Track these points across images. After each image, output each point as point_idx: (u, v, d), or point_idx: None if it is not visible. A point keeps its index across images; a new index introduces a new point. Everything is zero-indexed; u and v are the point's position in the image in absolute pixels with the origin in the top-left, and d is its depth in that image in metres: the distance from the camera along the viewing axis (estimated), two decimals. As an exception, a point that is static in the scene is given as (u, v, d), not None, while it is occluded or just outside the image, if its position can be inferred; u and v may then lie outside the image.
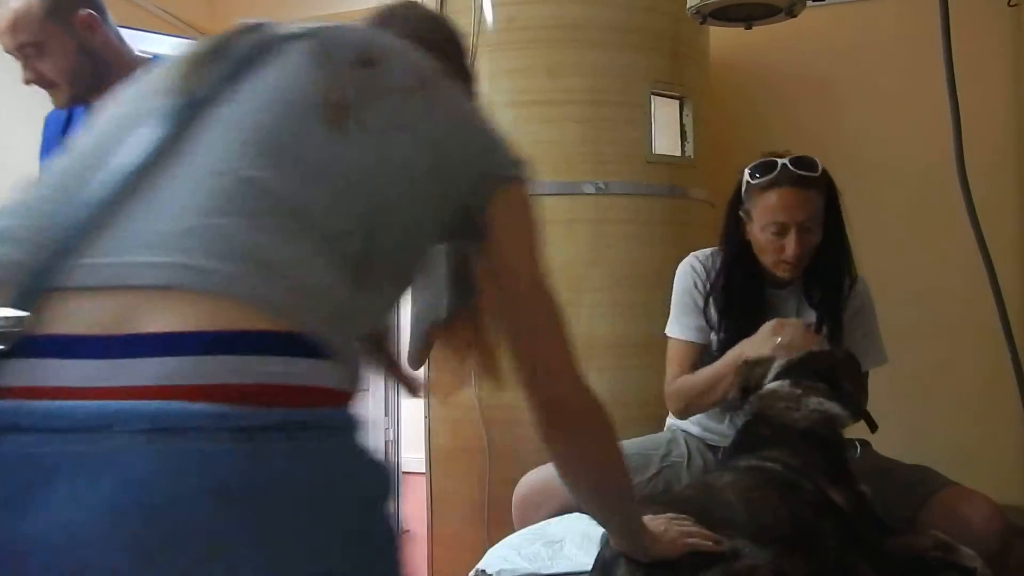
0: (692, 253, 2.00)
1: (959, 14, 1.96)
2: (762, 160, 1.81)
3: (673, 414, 1.97)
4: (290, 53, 0.84)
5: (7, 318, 0.60)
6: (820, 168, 1.79)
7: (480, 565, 1.58)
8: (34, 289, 0.62)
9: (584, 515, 1.69)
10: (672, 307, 1.97)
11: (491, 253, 0.95)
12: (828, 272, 1.85)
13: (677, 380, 1.89)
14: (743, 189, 1.85)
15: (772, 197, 1.76)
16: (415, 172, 0.83)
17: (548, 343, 0.99)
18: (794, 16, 2.08)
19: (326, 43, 0.85)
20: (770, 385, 1.57)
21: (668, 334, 1.96)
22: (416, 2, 1.14)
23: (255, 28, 0.89)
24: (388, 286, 0.83)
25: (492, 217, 0.92)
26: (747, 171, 1.83)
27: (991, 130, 2.83)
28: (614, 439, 1.07)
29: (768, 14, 2.07)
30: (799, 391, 1.52)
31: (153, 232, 0.66)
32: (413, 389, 1.21)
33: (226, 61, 0.82)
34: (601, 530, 1.28)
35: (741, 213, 1.86)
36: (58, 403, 0.57)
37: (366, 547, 0.65)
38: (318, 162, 0.76)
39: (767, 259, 1.82)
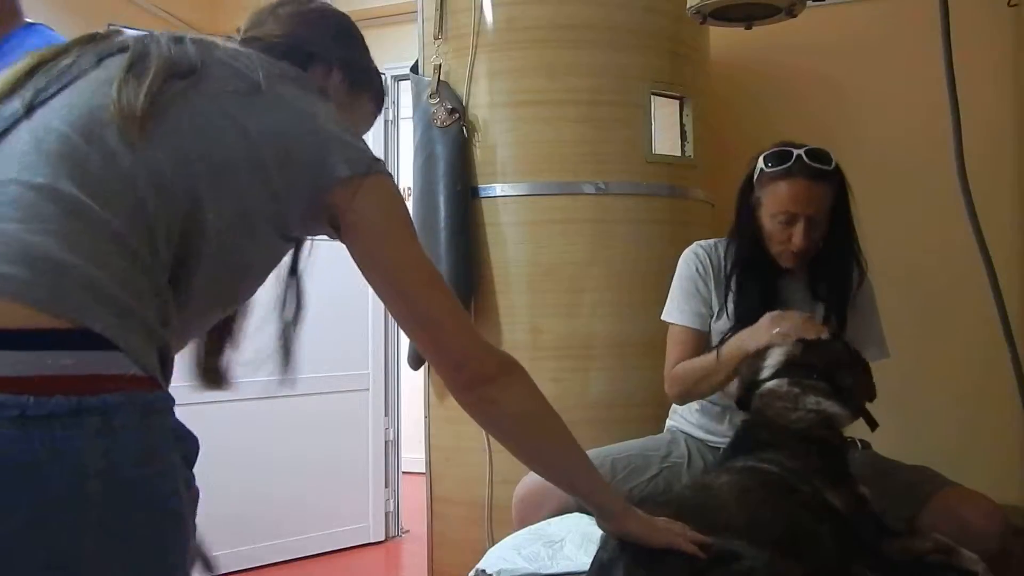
0: (696, 242, 2.00)
1: (959, 14, 1.96)
2: (777, 149, 1.81)
3: (672, 398, 1.95)
4: (108, 68, 0.90)
5: None
6: (834, 163, 1.79)
7: (480, 565, 1.58)
8: None
9: (584, 515, 1.69)
10: (672, 292, 1.96)
11: (365, 248, 0.99)
12: (835, 265, 1.85)
13: (678, 365, 1.89)
14: (755, 176, 1.85)
15: (784, 187, 1.77)
16: (237, 169, 0.89)
17: (444, 317, 1.03)
18: (794, 16, 2.08)
19: (140, 57, 0.90)
20: (768, 384, 1.56)
21: (667, 319, 1.95)
22: (284, 4, 1.15)
23: (93, 39, 0.94)
24: (207, 271, 0.88)
25: (348, 212, 0.96)
26: (761, 159, 1.82)
27: (991, 129, 2.83)
28: (532, 387, 1.09)
29: (768, 14, 2.07)
30: (797, 390, 1.52)
31: None
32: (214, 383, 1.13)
33: (49, 74, 0.88)
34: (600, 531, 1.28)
35: (752, 201, 1.85)
36: None
37: (137, 524, 0.73)
38: (111, 169, 0.82)
39: (772, 247, 1.82)
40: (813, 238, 1.78)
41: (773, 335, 1.67)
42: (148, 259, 0.81)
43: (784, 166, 1.77)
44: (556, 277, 2.52)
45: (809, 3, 2.08)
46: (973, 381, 2.90)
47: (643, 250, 2.56)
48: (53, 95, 0.86)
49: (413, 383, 3.65)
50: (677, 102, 2.72)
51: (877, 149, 3.02)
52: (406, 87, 3.63)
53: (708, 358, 1.82)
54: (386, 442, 3.86)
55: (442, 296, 1.04)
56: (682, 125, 2.72)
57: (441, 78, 2.61)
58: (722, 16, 2.08)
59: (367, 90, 1.19)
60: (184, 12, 4.00)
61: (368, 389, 3.81)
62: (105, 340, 0.73)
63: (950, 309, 2.89)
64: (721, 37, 2.78)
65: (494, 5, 2.57)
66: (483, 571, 1.55)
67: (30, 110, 0.84)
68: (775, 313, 1.73)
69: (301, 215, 0.96)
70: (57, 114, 0.84)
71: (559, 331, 2.51)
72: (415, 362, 2.69)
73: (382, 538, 3.85)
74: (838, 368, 1.57)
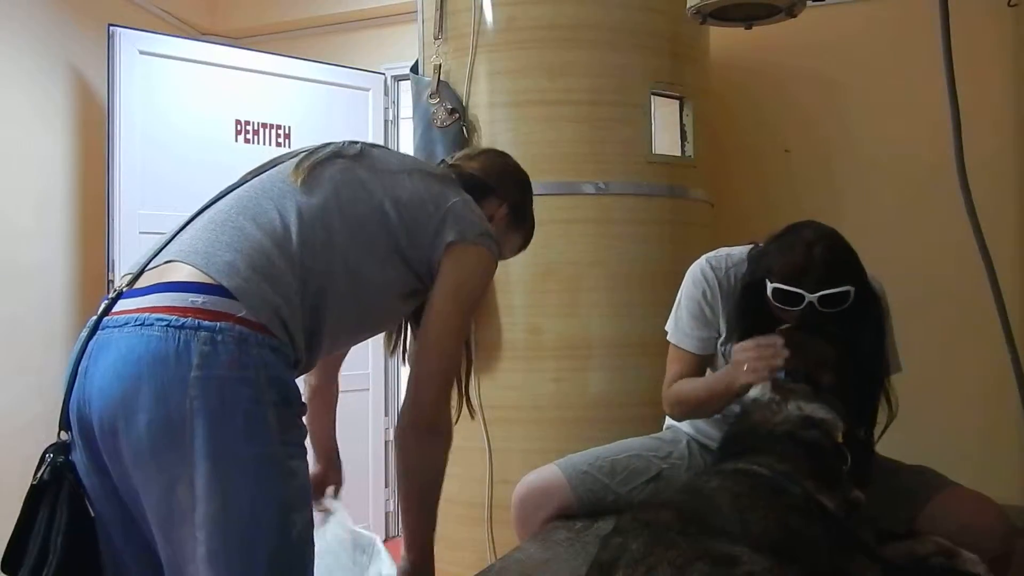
0: (704, 256, 1.87)
1: (959, 14, 1.96)
2: (788, 289, 1.59)
3: (669, 416, 1.95)
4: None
5: (122, 284, 1.23)
6: (851, 297, 1.58)
7: None
8: (137, 269, 1.24)
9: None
10: (678, 311, 1.88)
11: (433, 290, 1.34)
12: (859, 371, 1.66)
13: (674, 386, 1.84)
14: (762, 284, 1.66)
15: (791, 316, 1.63)
16: (377, 213, 1.30)
17: (427, 361, 1.34)
18: (794, 16, 2.07)
19: (342, 150, 1.38)
20: (751, 392, 1.56)
21: (671, 340, 1.89)
22: (490, 152, 1.69)
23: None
24: (338, 273, 1.27)
25: (441, 267, 1.33)
26: (771, 287, 1.62)
27: (991, 129, 2.83)
28: (439, 464, 1.39)
29: (768, 14, 2.06)
30: (778, 398, 1.51)
31: (180, 240, 1.26)
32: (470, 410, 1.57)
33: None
34: None
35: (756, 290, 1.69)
36: (114, 317, 1.17)
37: (220, 390, 1.12)
38: (280, 206, 1.26)
39: None
40: None
41: (744, 372, 1.58)
42: (283, 261, 1.21)
43: (795, 309, 1.60)
44: (556, 277, 2.52)
45: (809, 3, 2.07)
46: (973, 381, 2.90)
47: (643, 250, 2.56)
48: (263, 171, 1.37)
49: (413, 383, 3.64)
50: (677, 102, 2.72)
51: (876, 149, 3.02)
52: (406, 87, 3.63)
53: (702, 389, 1.77)
54: (386, 442, 3.86)
55: (439, 358, 1.34)
56: (682, 125, 2.72)
57: (441, 78, 2.61)
58: (722, 16, 2.07)
59: (521, 229, 1.63)
60: (184, 12, 4.00)
61: (368, 389, 3.81)
62: (230, 292, 1.15)
63: (950, 309, 2.90)
64: (721, 37, 2.78)
65: (494, 5, 2.57)
66: None
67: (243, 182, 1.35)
68: (738, 346, 1.62)
69: (424, 260, 1.33)
70: (258, 181, 1.32)
71: (559, 331, 2.51)
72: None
73: (382, 538, 3.84)
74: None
